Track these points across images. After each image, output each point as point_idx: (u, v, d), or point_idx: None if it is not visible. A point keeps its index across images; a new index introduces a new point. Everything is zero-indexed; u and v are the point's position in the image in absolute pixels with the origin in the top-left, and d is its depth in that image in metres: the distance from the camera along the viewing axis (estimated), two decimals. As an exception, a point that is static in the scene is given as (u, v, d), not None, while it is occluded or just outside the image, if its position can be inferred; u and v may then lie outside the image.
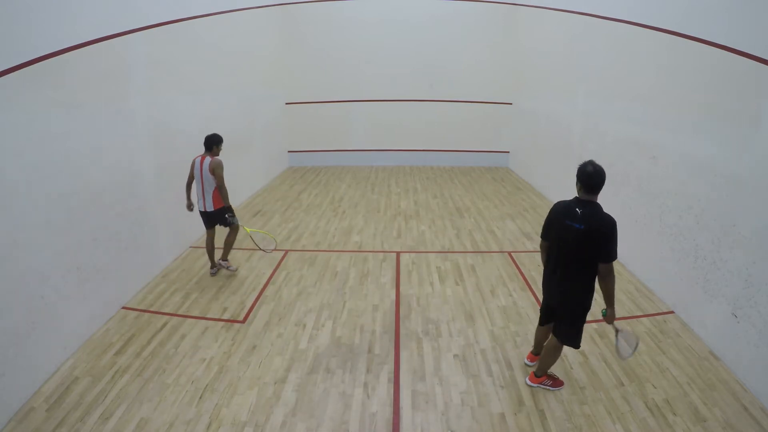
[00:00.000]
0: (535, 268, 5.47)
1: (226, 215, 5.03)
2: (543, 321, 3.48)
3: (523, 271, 5.40)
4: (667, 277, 4.62)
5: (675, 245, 4.47)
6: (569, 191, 3.05)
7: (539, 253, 3.43)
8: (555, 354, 3.33)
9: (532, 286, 5.02)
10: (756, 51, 3.48)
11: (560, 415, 3.18)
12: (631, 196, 5.29)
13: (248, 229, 5.09)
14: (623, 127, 5.57)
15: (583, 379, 3.54)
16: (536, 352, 3.67)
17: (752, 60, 3.51)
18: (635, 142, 5.25)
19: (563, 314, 3.17)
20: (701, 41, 4.10)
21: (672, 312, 4.48)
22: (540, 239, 3.29)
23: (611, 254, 2.86)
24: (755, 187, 3.50)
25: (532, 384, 3.47)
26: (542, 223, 3.30)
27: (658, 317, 4.40)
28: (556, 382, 3.45)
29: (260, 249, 5.18)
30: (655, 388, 3.44)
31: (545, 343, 3.45)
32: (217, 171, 4.84)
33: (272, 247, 5.37)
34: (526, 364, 3.71)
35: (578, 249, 2.93)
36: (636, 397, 3.34)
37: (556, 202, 3.15)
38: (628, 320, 4.33)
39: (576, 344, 3.19)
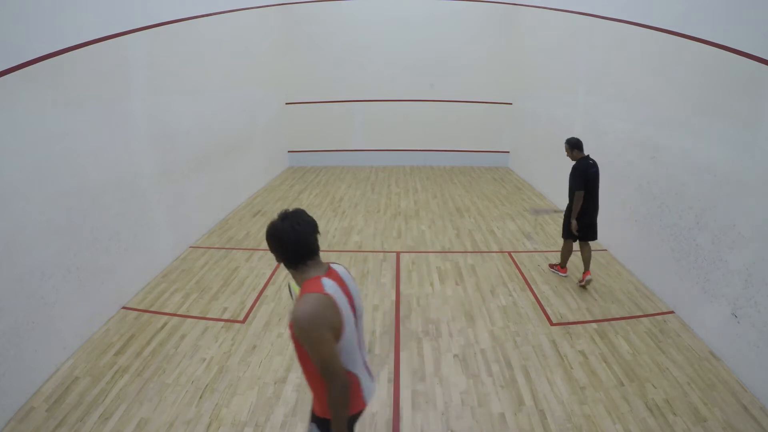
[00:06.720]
0: (534, 267, 5.47)
1: None
2: (582, 237, 4.87)
3: (523, 271, 5.40)
4: (667, 277, 4.62)
5: (675, 245, 4.47)
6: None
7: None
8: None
9: (532, 286, 5.02)
10: (756, 51, 3.48)
11: (560, 415, 3.19)
12: (631, 196, 5.29)
13: None
14: (623, 126, 5.56)
15: (583, 379, 3.54)
16: (564, 264, 5.20)
17: (752, 60, 3.50)
18: (635, 142, 5.25)
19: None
20: (701, 41, 4.10)
21: (672, 312, 4.48)
22: (580, 192, 4.65)
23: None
24: (755, 187, 3.49)
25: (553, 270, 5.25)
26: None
27: (658, 317, 4.40)
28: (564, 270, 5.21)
29: None
30: (655, 388, 3.44)
31: (585, 250, 4.93)
32: None
33: None
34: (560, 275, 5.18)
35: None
36: (636, 397, 3.34)
37: (575, 164, 4.74)
38: (628, 320, 4.34)
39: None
